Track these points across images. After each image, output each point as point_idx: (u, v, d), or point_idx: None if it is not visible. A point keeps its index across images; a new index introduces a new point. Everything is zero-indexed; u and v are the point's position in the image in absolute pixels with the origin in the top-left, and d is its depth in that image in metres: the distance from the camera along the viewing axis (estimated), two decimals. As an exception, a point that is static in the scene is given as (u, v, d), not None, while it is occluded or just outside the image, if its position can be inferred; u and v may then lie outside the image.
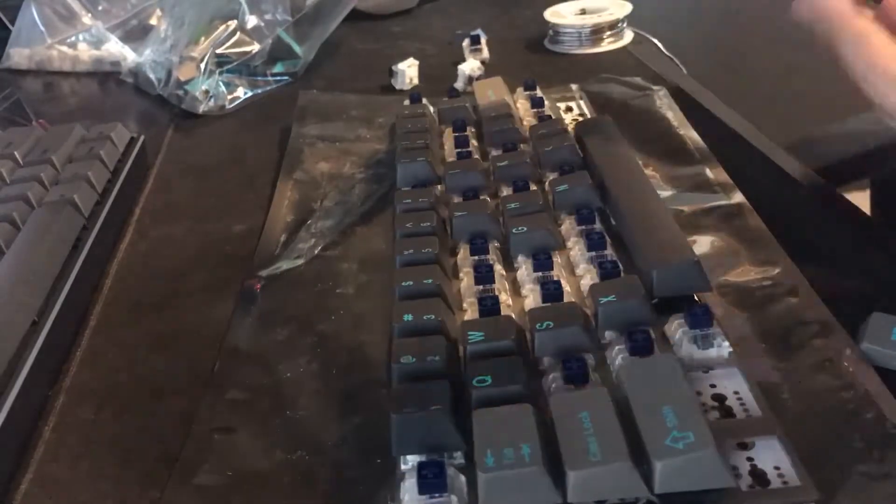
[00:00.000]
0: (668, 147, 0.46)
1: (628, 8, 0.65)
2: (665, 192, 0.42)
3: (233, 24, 0.64)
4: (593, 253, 0.35)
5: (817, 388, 0.29)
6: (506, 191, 0.40)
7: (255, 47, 0.64)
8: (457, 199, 0.40)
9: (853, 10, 0.36)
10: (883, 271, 0.35)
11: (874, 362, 0.30)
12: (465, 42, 0.63)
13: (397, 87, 0.61)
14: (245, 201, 0.48)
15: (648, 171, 0.43)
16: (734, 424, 0.27)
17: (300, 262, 0.40)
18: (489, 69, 0.60)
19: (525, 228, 0.36)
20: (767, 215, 0.39)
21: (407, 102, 0.52)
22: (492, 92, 0.51)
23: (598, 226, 0.37)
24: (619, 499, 0.25)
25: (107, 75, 0.73)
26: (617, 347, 0.30)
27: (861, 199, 0.43)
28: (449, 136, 0.47)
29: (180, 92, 0.61)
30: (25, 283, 0.37)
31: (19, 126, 0.55)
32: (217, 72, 0.62)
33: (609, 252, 0.35)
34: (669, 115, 0.50)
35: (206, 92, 0.61)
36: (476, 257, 0.36)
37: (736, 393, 0.29)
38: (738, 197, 0.41)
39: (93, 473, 0.30)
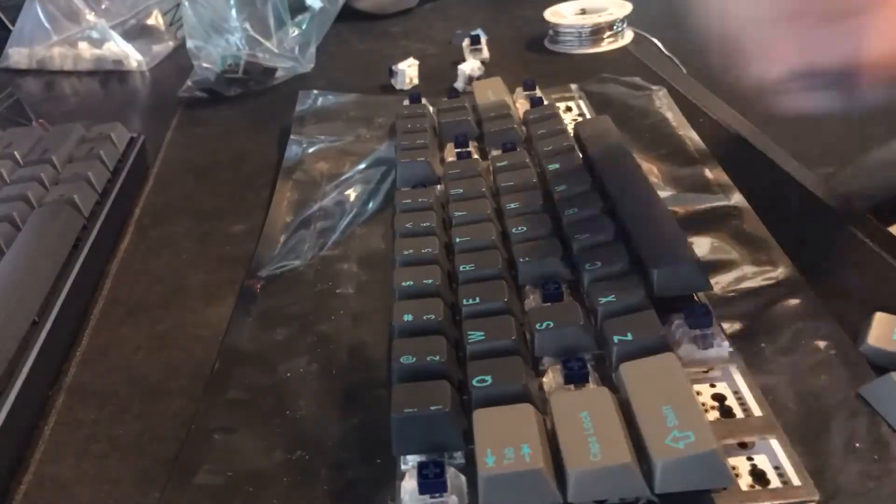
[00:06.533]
0: (668, 147, 0.46)
1: (628, 8, 0.65)
2: (665, 192, 0.42)
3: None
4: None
5: (817, 388, 0.29)
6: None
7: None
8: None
9: None
10: (883, 271, 0.35)
11: (874, 362, 0.30)
12: (465, 42, 0.63)
13: (397, 87, 0.61)
14: (245, 201, 0.48)
15: (648, 172, 0.43)
16: (734, 424, 0.28)
17: (300, 262, 0.40)
18: (489, 69, 0.60)
19: (525, 228, 0.36)
20: (767, 215, 0.39)
21: (407, 102, 0.52)
22: (491, 92, 0.51)
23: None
24: (619, 498, 0.25)
25: (108, 74, 0.73)
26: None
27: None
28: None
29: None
30: (25, 283, 0.37)
31: (19, 126, 0.55)
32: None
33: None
34: (669, 115, 0.50)
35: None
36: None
37: (736, 393, 0.29)
38: (737, 197, 0.41)
39: (93, 473, 0.30)
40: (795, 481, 0.25)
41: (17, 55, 0.75)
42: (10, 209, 0.42)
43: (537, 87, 0.52)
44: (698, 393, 0.28)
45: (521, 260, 0.34)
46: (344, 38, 0.73)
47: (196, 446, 0.30)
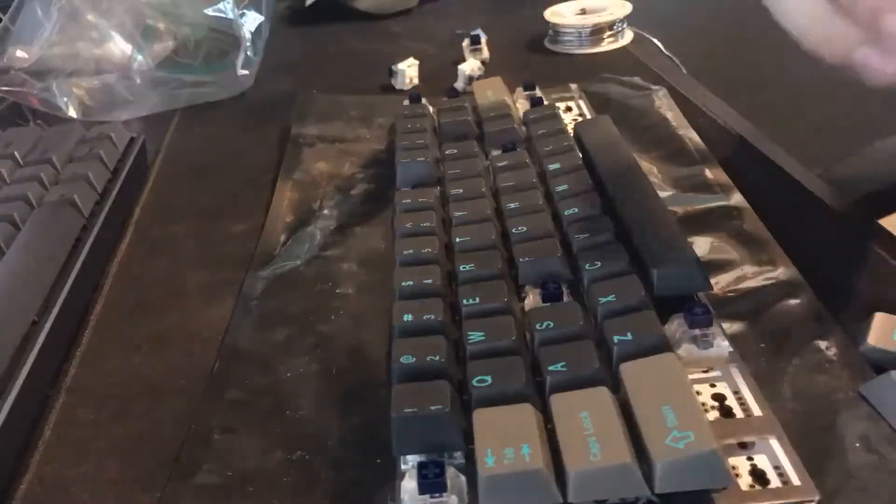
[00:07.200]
0: (668, 147, 0.46)
1: (628, 8, 0.65)
2: (665, 193, 0.42)
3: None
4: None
5: (817, 388, 0.29)
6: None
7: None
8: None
9: None
10: (883, 271, 0.35)
11: (874, 362, 0.30)
12: (465, 42, 0.63)
13: (397, 87, 0.61)
14: (245, 201, 0.48)
15: (648, 172, 0.43)
16: (734, 424, 0.27)
17: (300, 262, 0.40)
18: (489, 69, 0.60)
19: (525, 228, 0.36)
20: (767, 215, 0.39)
21: (407, 102, 0.52)
22: (491, 92, 0.51)
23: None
24: (619, 498, 0.25)
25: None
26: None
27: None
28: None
29: None
30: (25, 283, 0.37)
31: (19, 126, 0.55)
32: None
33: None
34: (669, 115, 0.50)
35: None
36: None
37: (736, 393, 0.29)
38: (737, 197, 0.41)
39: (93, 473, 0.30)
40: (795, 481, 0.25)
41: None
42: (10, 209, 0.42)
43: (537, 87, 0.52)
44: (698, 393, 0.28)
45: (521, 260, 0.34)
46: (344, 38, 0.73)
47: (196, 446, 0.30)
